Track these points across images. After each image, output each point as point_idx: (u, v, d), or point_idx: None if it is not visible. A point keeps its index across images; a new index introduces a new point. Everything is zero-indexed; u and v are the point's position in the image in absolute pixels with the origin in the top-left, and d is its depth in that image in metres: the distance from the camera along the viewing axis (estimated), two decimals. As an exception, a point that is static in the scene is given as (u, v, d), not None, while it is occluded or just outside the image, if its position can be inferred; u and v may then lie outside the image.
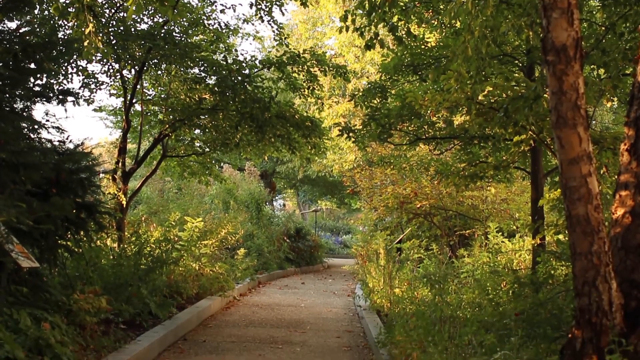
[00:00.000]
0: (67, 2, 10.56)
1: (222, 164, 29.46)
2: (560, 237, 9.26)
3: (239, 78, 13.18)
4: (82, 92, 14.39)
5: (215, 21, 14.91)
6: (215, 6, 15.76)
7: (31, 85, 7.82)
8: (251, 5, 14.08)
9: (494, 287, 9.77)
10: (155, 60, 13.36)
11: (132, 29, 12.92)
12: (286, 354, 9.06)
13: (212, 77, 13.63)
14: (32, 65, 7.71)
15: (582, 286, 4.92)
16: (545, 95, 8.23)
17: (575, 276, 4.98)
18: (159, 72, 14.52)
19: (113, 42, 12.37)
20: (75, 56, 12.92)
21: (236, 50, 15.32)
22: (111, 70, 14.20)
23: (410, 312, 9.44)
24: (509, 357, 5.95)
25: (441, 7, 11.72)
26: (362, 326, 11.84)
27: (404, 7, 10.03)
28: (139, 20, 13.93)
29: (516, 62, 11.97)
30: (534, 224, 10.32)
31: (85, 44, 8.95)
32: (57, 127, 8.06)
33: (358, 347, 9.85)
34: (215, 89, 13.56)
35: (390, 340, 8.30)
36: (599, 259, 4.85)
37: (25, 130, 7.69)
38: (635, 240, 5.11)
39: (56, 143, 8.16)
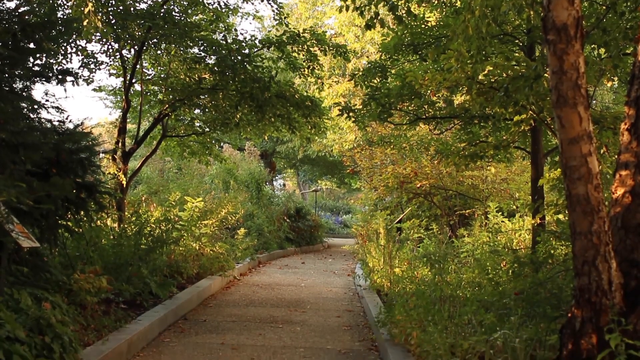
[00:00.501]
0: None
1: (222, 144, 29.46)
2: (560, 216, 9.27)
3: (239, 58, 13.15)
4: (82, 72, 14.36)
5: (215, 0, 14.85)
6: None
7: (30, 65, 7.79)
8: (251, -16, 14.02)
9: (493, 266, 9.79)
10: (155, 40, 13.33)
11: (132, 9, 12.86)
12: (286, 333, 9.08)
13: (212, 56, 13.59)
14: (32, 45, 7.68)
15: (581, 265, 4.93)
16: (545, 74, 8.21)
17: (575, 256, 4.98)
18: (159, 52, 14.48)
19: (112, 22, 12.32)
20: (74, 36, 12.87)
21: (236, 30, 15.27)
22: (110, 50, 14.15)
23: (410, 292, 9.47)
24: (509, 336, 5.97)
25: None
26: (362, 305, 11.86)
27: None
28: (138, -1, 13.89)
29: (517, 41, 11.92)
30: (533, 204, 10.32)
31: (85, 23, 8.93)
32: (57, 107, 8.05)
33: (358, 327, 9.87)
34: (215, 68, 13.53)
35: (390, 319, 8.32)
36: (598, 239, 4.86)
37: (25, 110, 7.67)
38: (635, 219, 5.11)
39: (56, 123, 8.14)
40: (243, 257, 17.07)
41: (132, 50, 13.86)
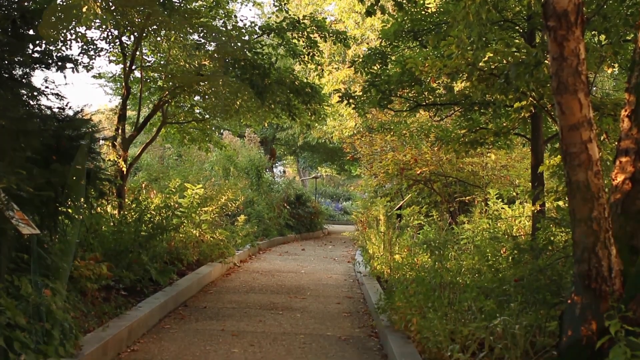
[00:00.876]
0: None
1: (222, 131, 29.42)
2: (560, 203, 9.26)
3: (239, 44, 13.12)
4: (81, 58, 14.32)
5: (214, -13, 14.81)
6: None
7: (30, 52, 7.78)
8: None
9: (493, 253, 9.79)
10: (155, 27, 13.29)
11: (131, -5, 12.82)
12: (286, 320, 9.10)
13: (212, 43, 13.56)
14: (31, 32, 7.67)
15: (581, 252, 4.93)
16: (546, 61, 8.20)
17: (575, 242, 4.99)
18: (158, 39, 14.44)
19: (112, 8, 12.29)
20: (74, 22, 12.83)
21: (235, 17, 15.24)
22: (110, 37, 14.12)
23: (410, 278, 9.47)
24: (509, 322, 5.98)
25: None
26: (362, 292, 11.88)
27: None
28: (138, -15, 13.83)
29: (517, 28, 11.89)
30: (533, 191, 10.31)
31: (84, 10, 8.89)
32: (57, 94, 8.03)
33: (358, 313, 9.89)
34: (215, 55, 13.50)
35: (390, 306, 8.33)
36: (598, 225, 4.86)
37: (25, 97, 7.66)
38: (635, 206, 5.11)
39: (56, 110, 8.12)
40: (243, 244, 17.08)
41: (132, 37, 13.81)
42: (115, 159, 13.02)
